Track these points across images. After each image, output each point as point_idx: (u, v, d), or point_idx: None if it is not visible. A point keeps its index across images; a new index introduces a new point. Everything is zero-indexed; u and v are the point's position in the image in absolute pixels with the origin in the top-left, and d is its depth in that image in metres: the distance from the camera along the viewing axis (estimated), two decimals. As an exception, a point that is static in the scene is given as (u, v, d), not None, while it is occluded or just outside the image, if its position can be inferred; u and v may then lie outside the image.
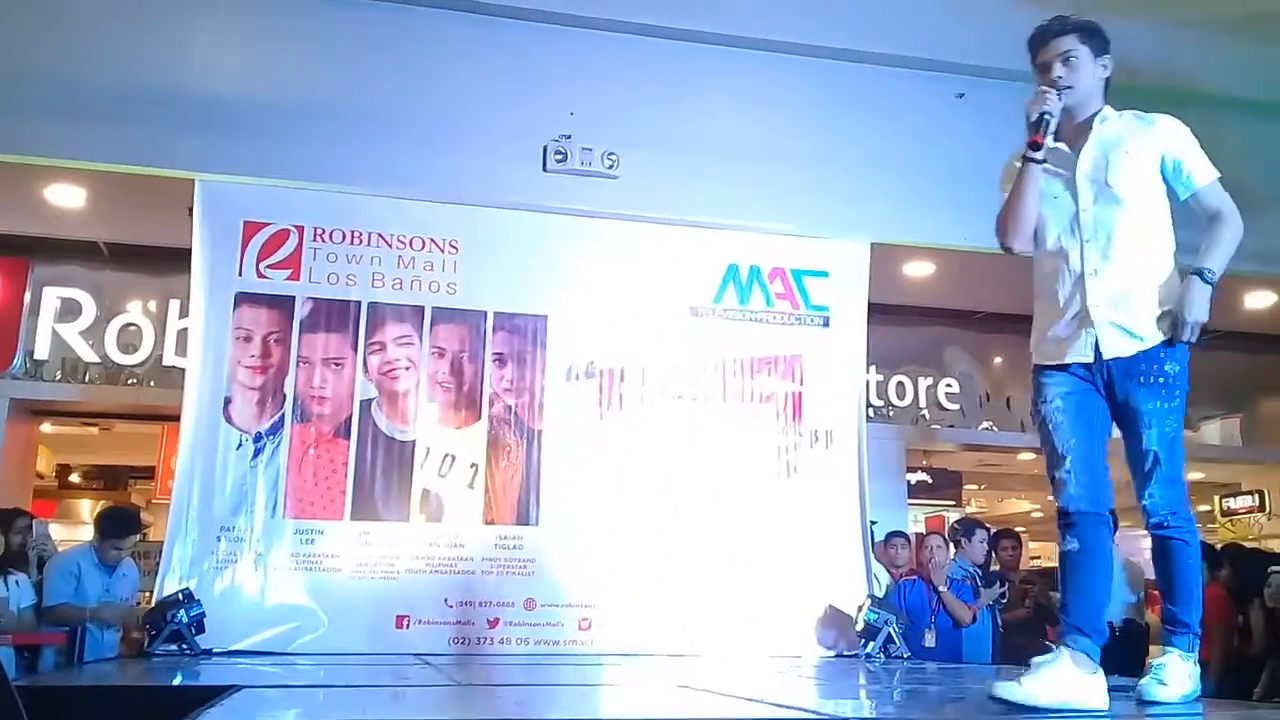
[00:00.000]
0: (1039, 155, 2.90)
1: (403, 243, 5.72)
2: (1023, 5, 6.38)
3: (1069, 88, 2.93)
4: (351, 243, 5.66)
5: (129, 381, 7.04)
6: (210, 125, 5.53)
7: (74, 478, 12.45)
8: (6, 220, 6.52)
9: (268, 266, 5.52)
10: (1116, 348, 2.86)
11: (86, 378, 6.95)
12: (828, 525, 5.84)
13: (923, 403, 8.08)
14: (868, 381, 7.17)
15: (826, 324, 6.10)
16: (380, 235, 5.70)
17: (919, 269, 7.12)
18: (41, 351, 6.82)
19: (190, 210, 5.56)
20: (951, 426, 8.13)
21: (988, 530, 6.65)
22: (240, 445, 5.30)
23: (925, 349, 8.27)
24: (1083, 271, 2.92)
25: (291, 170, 5.64)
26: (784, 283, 6.09)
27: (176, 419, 5.54)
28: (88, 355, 6.92)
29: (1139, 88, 6.56)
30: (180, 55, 5.63)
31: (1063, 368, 2.94)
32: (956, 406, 8.16)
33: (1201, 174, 2.96)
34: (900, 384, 7.99)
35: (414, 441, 5.50)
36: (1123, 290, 2.88)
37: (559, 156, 5.95)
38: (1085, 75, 2.97)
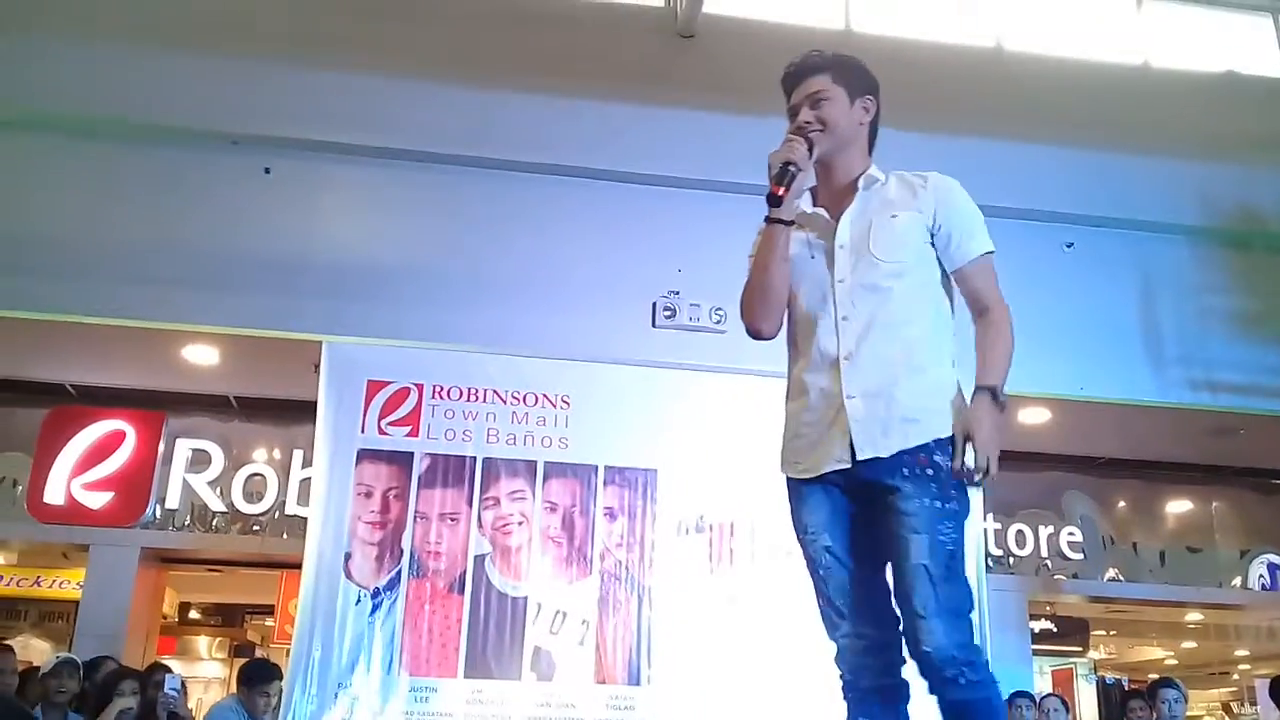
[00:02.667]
0: (783, 214, 2.41)
1: (516, 399, 5.86)
2: (1129, 157, 6.42)
3: (819, 130, 2.44)
4: (468, 399, 5.82)
5: (253, 529, 7.27)
6: (337, 290, 5.84)
7: (193, 614, 12.77)
8: (147, 378, 6.89)
9: (389, 424, 5.70)
10: (874, 446, 2.30)
11: (214, 526, 7.21)
12: (948, 687, 5.62)
13: (1044, 551, 7.82)
14: (986, 530, 7.00)
15: (940, 476, 5.98)
16: (495, 392, 5.85)
17: (1034, 416, 6.98)
18: (172, 501, 7.10)
19: (316, 366, 5.80)
20: (1075, 576, 7.83)
21: (1180, 689, 6.11)
22: (359, 600, 5.39)
23: (1043, 494, 8.05)
24: (837, 356, 2.39)
25: (412, 331, 5.88)
26: (895, 435, 6.04)
27: (296, 565, 5.69)
28: (215, 504, 7.18)
29: (1264, 232, 6.54)
30: (310, 226, 6.00)
31: (818, 481, 2.39)
32: (1080, 555, 7.87)
33: (974, 244, 2.45)
34: (1020, 532, 7.76)
35: (526, 598, 5.53)
36: (883, 378, 2.34)
37: (668, 313, 6.08)
38: (840, 119, 2.47)
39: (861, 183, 2.50)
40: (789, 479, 2.48)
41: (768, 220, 2.43)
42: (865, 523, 2.36)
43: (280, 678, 5.60)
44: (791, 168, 2.37)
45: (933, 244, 2.45)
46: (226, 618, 12.87)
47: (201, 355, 6.47)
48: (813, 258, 2.48)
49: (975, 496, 5.99)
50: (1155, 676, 9.96)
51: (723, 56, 6.47)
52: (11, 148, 5.92)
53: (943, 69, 6.70)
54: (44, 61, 5.99)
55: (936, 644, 2.17)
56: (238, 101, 6.00)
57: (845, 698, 2.37)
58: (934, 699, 2.22)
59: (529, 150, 6.15)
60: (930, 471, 2.26)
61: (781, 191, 2.36)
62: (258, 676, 5.47)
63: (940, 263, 2.47)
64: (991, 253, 2.47)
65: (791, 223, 2.45)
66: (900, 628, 2.29)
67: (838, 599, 2.36)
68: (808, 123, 2.46)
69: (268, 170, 5.99)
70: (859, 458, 2.31)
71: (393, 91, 6.16)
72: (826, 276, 2.44)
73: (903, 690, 2.34)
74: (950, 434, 2.30)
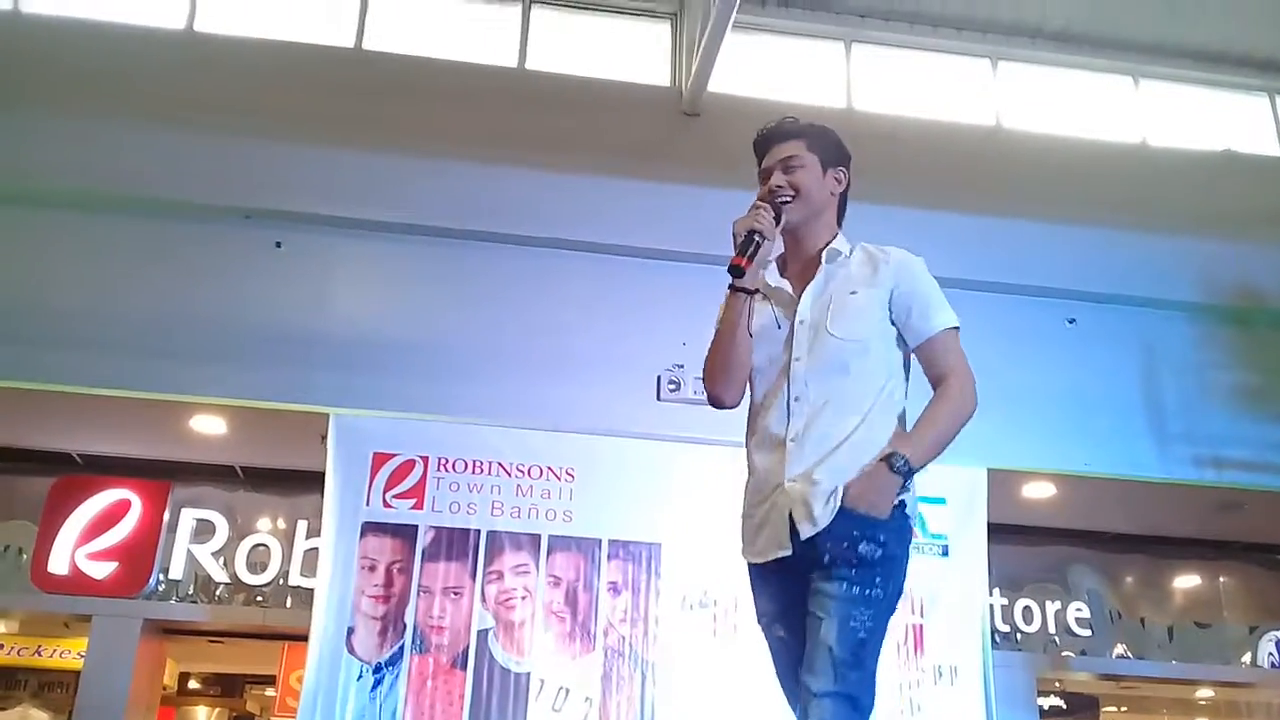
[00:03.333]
0: (746, 284, 2.33)
1: (521, 471, 5.88)
2: (1129, 234, 6.50)
3: (787, 200, 2.38)
4: (473, 472, 5.84)
5: (257, 599, 7.23)
6: (344, 363, 5.89)
7: (192, 684, 12.63)
8: (153, 448, 6.92)
9: (394, 496, 5.72)
10: (811, 523, 2.21)
11: (217, 596, 7.17)
12: (955, 769, 5.56)
13: (1052, 628, 7.74)
14: (991, 605, 6.96)
15: (945, 553, 5.99)
16: (500, 464, 5.88)
17: (1039, 490, 6.97)
18: (176, 571, 7.08)
19: (323, 438, 5.83)
20: (1084, 654, 7.75)
21: None
22: (361, 676, 5.37)
23: (1049, 569, 8.00)
24: (784, 436, 2.30)
25: (418, 403, 5.93)
26: (900, 510, 6.04)
27: (298, 637, 5.66)
28: (218, 574, 7.15)
29: (1264, 309, 6.60)
30: (319, 299, 6.08)
31: (768, 565, 2.31)
32: (1088, 631, 7.80)
33: (935, 318, 2.36)
34: (1027, 608, 7.69)
35: (529, 674, 5.50)
36: (821, 457, 2.25)
37: (672, 386, 6.12)
38: (812, 188, 2.42)
39: (825, 256, 2.42)
40: (747, 562, 2.41)
41: (730, 289, 2.36)
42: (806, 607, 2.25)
43: None
44: (757, 237, 2.31)
45: (892, 321, 2.38)
46: (226, 688, 12.72)
47: (208, 426, 6.50)
48: (776, 331, 2.40)
49: (978, 570, 5.97)
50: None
51: (727, 134, 6.56)
52: (26, 222, 6.03)
53: (944, 147, 6.81)
54: (60, 138, 6.12)
55: None
56: (250, 177, 6.13)
57: None
58: None
59: (535, 225, 6.25)
60: (854, 558, 2.18)
61: (744, 263, 2.29)
62: None
63: (903, 340, 2.39)
64: (955, 328, 2.37)
65: (755, 292, 2.38)
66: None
67: (794, 691, 2.25)
68: (780, 187, 2.40)
69: (279, 244, 6.08)
70: (802, 537, 2.22)
71: (402, 168, 6.28)
72: (784, 354, 2.36)
73: None
74: (879, 520, 2.21)
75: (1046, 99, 7.63)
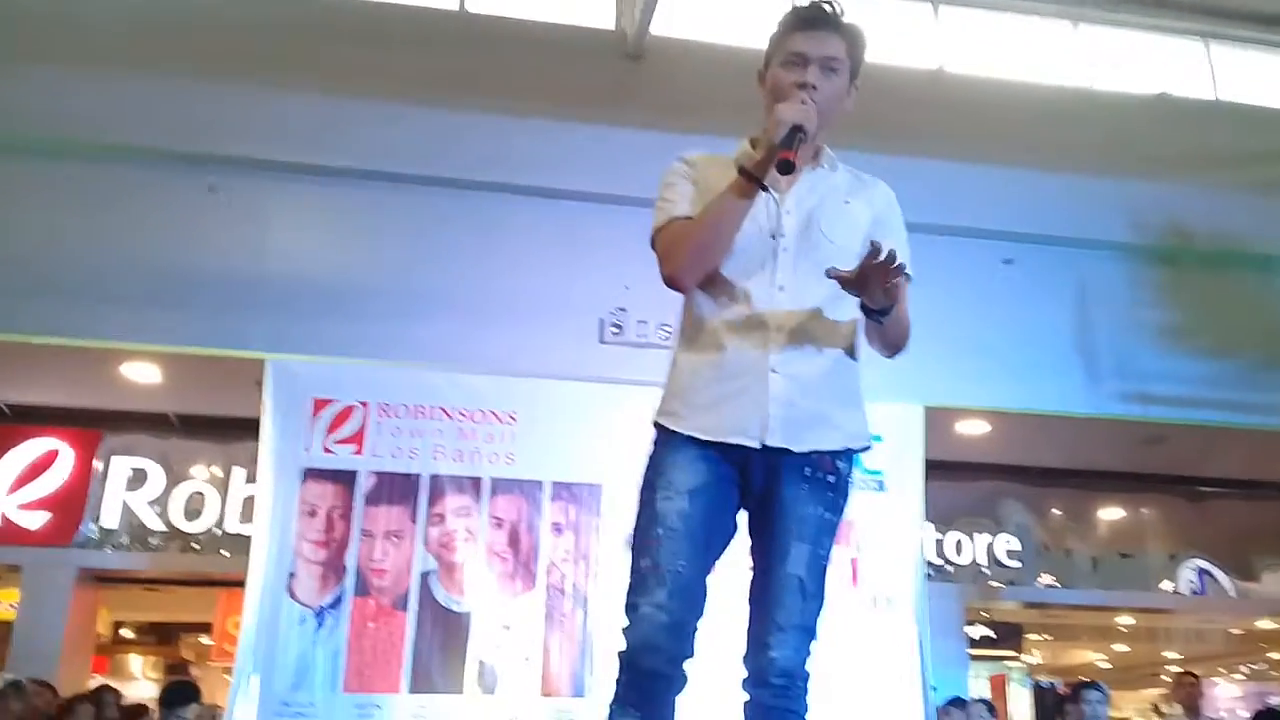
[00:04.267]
0: (766, 180, 2.13)
1: (463, 415, 5.85)
2: (1066, 175, 6.60)
3: (819, 105, 2.20)
4: (414, 417, 5.79)
5: (193, 547, 7.16)
6: (281, 307, 5.80)
7: (126, 633, 12.49)
8: (82, 396, 6.78)
9: (335, 442, 5.66)
10: (792, 438, 2.13)
11: (152, 544, 7.09)
12: (887, 695, 5.72)
13: (982, 560, 7.98)
14: (923, 539, 7.13)
15: (882, 487, 6.09)
16: (442, 408, 5.83)
17: (972, 427, 7.13)
18: (110, 520, 6.98)
19: (259, 383, 5.74)
20: (1012, 584, 8.00)
21: (1103, 690, 6.12)
22: (303, 620, 5.35)
23: (980, 503, 8.21)
24: (768, 324, 2.17)
25: (358, 348, 5.85)
26: (838, 448, 6.14)
27: (234, 583, 5.62)
28: (154, 523, 7.07)
29: (1193, 249, 6.76)
30: (256, 244, 5.94)
31: (705, 445, 2.15)
32: (1017, 563, 8.04)
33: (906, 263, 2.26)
34: (959, 541, 7.91)
35: (470, 613, 5.52)
36: (813, 367, 2.17)
37: (615, 329, 6.12)
38: (834, 99, 2.27)
39: (824, 159, 2.32)
40: (672, 431, 2.19)
41: (748, 177, 2.12)
42: (730, 509, 2.17)
43: (198, 699, 5.57)
44: (800, 135, 2.09)
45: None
46: (161, 636, 12.61)
47: (141, 373, 6.38)
48: (761, 216, 2.23)
49: (914, 505, 6.08)
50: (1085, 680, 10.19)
51: (670, 77, 6.55)
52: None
53: (886, 91, 6.76)
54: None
55: (784, 655, 2.08)
56: (184, 119, 5.94)
57: (617, 681, 2.13)
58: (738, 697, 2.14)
59: (477, 168, 6.15)
60: (832, 479, 2.15)
61: (794, 156, 2.05)
62: (176, 699, 5.46)
63: None
64: (910, 278, 2.27)
65: (766, 189, 2.18)
66: (697, 614, 2.11)
67: (665, 565, 2.09)
68: (815, 88, 2.21)
69: (212, 188, 5.92)
70: (768, 443, 2.12)
71: (340, 111, 6.15)
72: (769, 240, 2.22)
73: (679, 683, 2.12)
74: (862, 446, 2.22)
75: (987, 43, 7.67)
